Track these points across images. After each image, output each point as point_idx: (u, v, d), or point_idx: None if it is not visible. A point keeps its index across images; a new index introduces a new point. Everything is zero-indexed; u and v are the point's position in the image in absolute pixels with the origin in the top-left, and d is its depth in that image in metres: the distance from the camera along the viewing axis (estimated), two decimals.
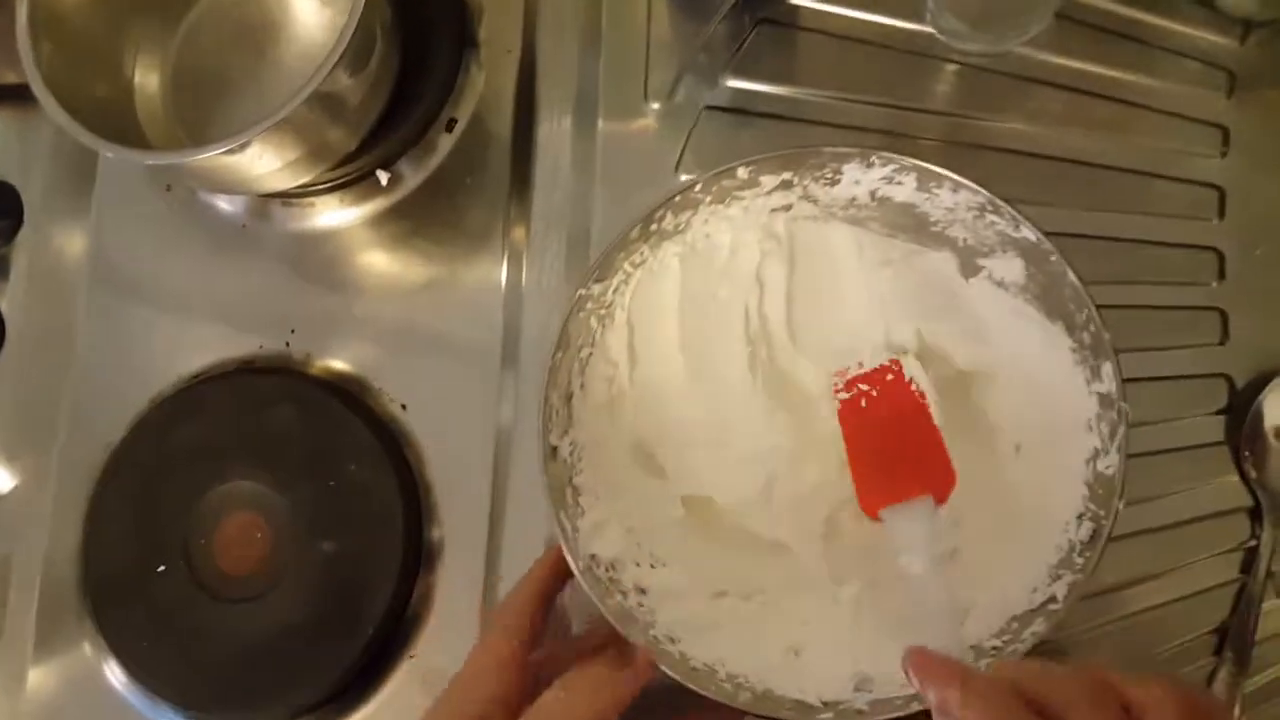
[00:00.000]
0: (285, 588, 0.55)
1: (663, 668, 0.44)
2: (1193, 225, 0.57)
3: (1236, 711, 0.52)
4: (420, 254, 0.59)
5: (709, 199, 0.49)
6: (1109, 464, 0.44)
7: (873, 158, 0.46)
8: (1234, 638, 0.53)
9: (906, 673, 0.37)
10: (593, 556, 0.47)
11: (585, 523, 0.48)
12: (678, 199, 0.47)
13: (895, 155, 0.46)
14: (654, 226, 0.48)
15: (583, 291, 0.47)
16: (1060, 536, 0.46)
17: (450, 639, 0.54)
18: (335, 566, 0.54)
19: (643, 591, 0.48)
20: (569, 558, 0.45)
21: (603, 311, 0.49)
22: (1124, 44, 0.58)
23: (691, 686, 0.43)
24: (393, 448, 0.56)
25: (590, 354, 0.50)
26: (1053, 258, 0.45)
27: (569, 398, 0.49)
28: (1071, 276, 0.45)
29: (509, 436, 0.56)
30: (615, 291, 0.49)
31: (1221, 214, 0.57)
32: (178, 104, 0.60)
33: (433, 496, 0.56)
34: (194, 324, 0.60)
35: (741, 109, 0.58)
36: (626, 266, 0.49)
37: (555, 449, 0.47)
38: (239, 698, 0.55)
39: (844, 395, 0.51)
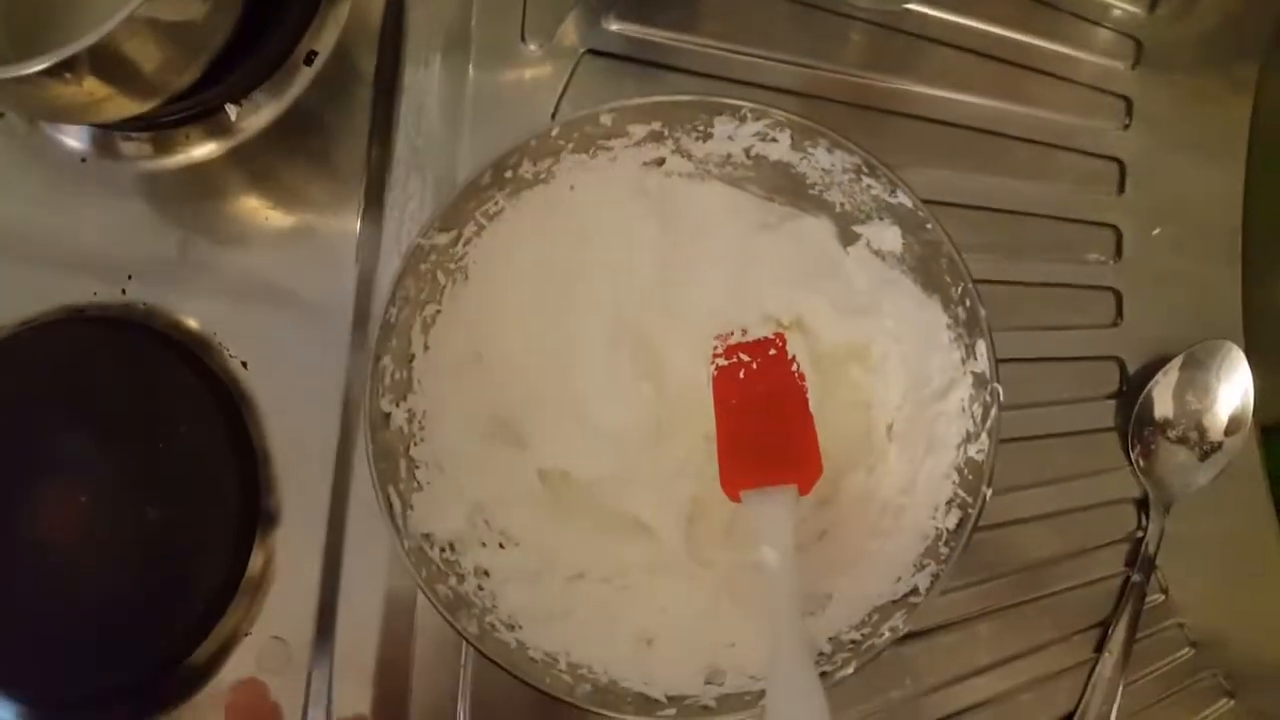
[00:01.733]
0: (108, 557, 0.50)
1: (492, 659, 0.40)
2: (1091, 200, 0.54)
3: (1114, 713, 0.51)
4: (271, 199, 0.54)
5: (570, 146, 0.45)
6: (980, 448, 0.42)
7: (744, 109, 0.43)
8: (1116, 633, 0.51)
9: None
10: (426, 536, 0.43)
11: (422, 499, 0.44)
12: (534, 144, 0.43)
13: (768, 108, 0.43)
14: (509, 174, 0.44)
15: (422, 241, 0.42)
16: (927, 524, 0.43)
17: (288, 613, 0.50)
18: (161, 535, 0.50)
19: (485, 574, 0.45)
20: (395, 538, 0.41)
21: (452, 266, 0.45)
22: (1030, 7, 0.55)
23: (523, 679, 0.40)
24: (230, 409, 0.51)
25: (438, 312, 0.46)
26: (929, 226, 0.42)
27: (409, 359, 0.45)
28: (948, 246, 0.42)
29: (357, 403, 0.52)
30: (466, 244, 0.45)
31: (1121, 189, 0.54)
32: (9, 20, 0.55)
33: (272, 465, 0.51)
34: (22, 266, 0.55)
35: (627, 56, 0.54)
36: (479, 217, 0.45)
37: (388, 416, 0.43)
38: (56, 676, 0.51)
39: (721, 362, 0.47)
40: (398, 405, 0.44)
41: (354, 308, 0.53)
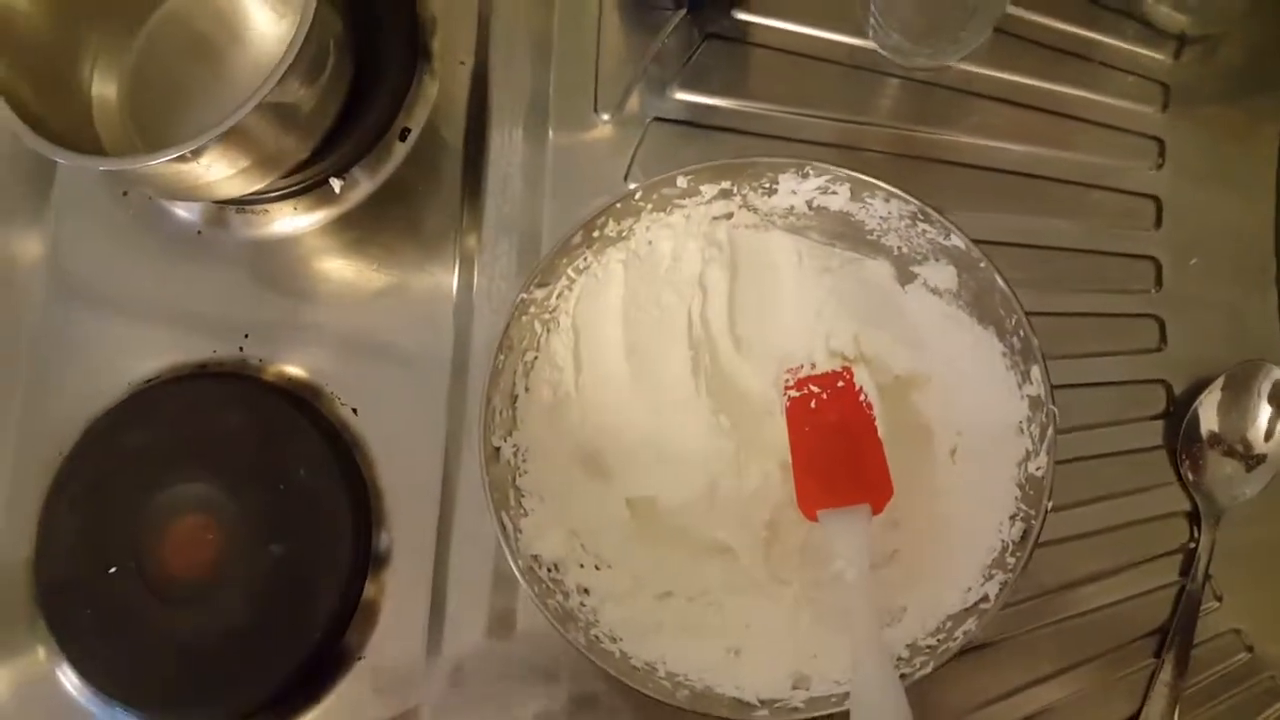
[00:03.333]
0: (234, 590, 0.55)
1: (603, 665, 0.44)
2: (1130, 235, 0.58)
3: (1175, 715, 0.53)
4: (373, 261, 0.60)
5: (650, 206, 0.50)
6: (1039, 465, 0.45)
7: (807, 168, 0.47)
8: (1174, 640, 0.54)
9: None
10: (535, 557, 0.48)
11: (528, 524, 0.48)
12: (619, 205, 0.48)
13: (828, 165, 0.47)
14: (596, 233, 0.49)
15: (524, 295, 0.47)
16: (993, 537, 0.47)
17: (398, 641, 0.55)
18: (284, 569, 0.55)
19: (586, 592, 0.49)
20: (509, 558, 0.46)
21: (547, 316, 0.50)
22: (1062, 59, 0.59)
23: (631, 684, 0.44)
24: (343, 452, 0.56)
25: (535, 358, 0.50)
26: (982, 264, 0.46)
27: (513, 400, 0.49)
28: (1000, 282, 0.46)
29: (458, 443, 0.57)
30: (559, 297, 0.50)
31: (1158, 224, 0.58)
32: (134, 111, 0.61)
33: (382, 501, 0.56)
34: (148, 329, 0.61)
35: (689, 121, 0.59)
36: (570, 272, 0.50)
37: (498, 450, 0.48)
38: (189, 698, 0.55)
39: (794, 393, 0.52)
40: (505, 440, 0.48)
41: (452, 359, 0.58)
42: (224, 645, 0.55)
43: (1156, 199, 0.58)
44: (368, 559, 0.55)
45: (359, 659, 0.55)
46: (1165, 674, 0.53)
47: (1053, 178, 0.58)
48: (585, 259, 0.50)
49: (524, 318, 0.48)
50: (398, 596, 0.55)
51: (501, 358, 0.47)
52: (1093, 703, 0.54)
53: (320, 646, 0.54)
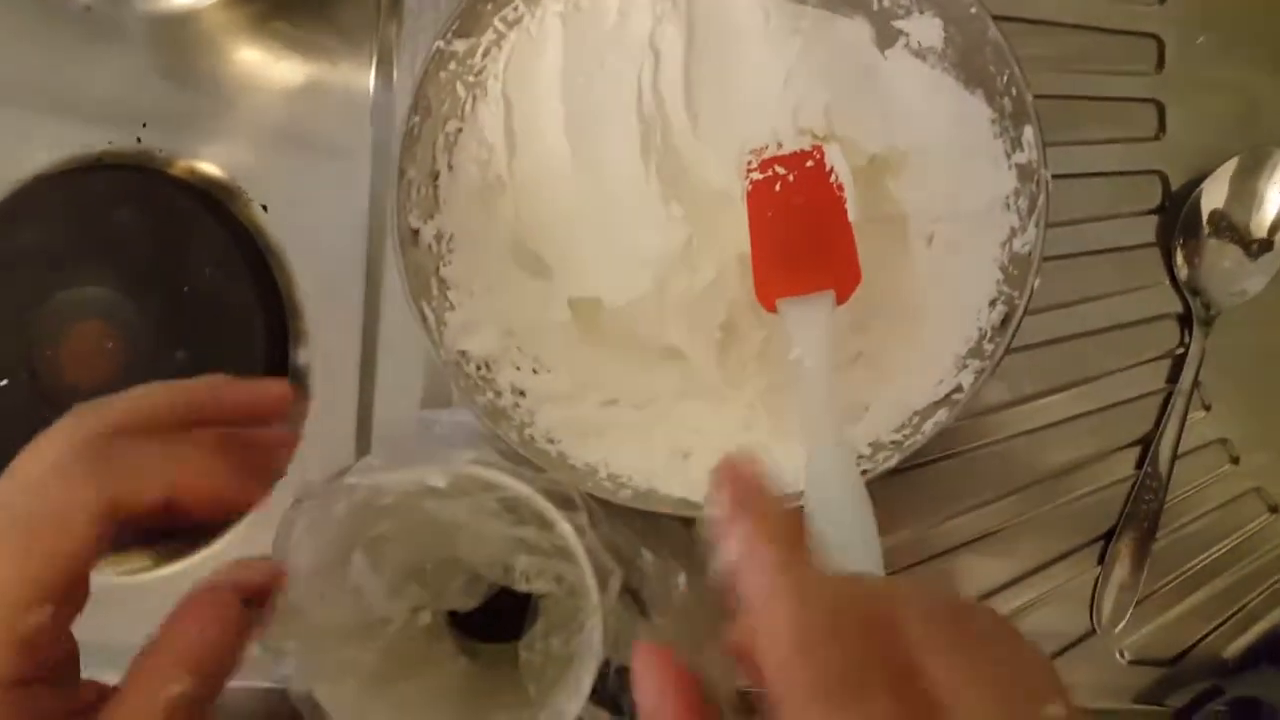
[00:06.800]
0: None
1: (537, 464, 0.40)
2: (1131, 9, 0.52)
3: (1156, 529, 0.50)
4: (282, 39, 0.53)
5: None
6: (1026, 241, 0.40)
7: None
8: (1156, 450, 0.50)
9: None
10: (462, 353, 0.43)
11: (454, 318, 0.43)
12: None
13: None
14: None
15: (441, 44, 0.41)
16: (970, 325, 0.42)
17: (320, 458, 0.50)
18: (194, 375, 0.50)
19: (521, 394, 0.44)
20: (434, 350, 0.40)
21: (472, 79, 0.44)
22: None
23: (568, 482, 0.40)
24: (253, 251, 0.51)
25: (460, 130, 0.44)
26: (972, 10, 0.40)
27: (434, 177, 0.43)
28: (993, 31, 0.40)
29: (381, 246, 0.51)
30: (486, 55, 0.44)
31: None
32: None
33: (296, 303, 0.51)
34: (32, 118, 0.54)
35: None
36: (498, 23, 0.43)
37: (416, 233, 0.42)
38: None
39: (756, 175, 0.46)
40: (425, 223, 0.43)
41: (372, 148, 0.52)
42: None
43: None
44: (285, 362, 0.51)
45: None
46: (1146, 485, 0.50)
47: None
48: (516, 8, 0.43)
49: (442, 74, 0.42)
50: (320, 410, 0.51)
51: (416, 119, 0.41)
52: (1068, 516, 0.51)
53: None
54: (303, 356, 0.52)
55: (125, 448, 0.27)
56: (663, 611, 0.35)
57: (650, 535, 0.39)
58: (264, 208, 0.52)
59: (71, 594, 0.26)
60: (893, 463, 0.39)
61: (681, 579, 0.35)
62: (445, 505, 0.34)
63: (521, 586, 0.36)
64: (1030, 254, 0.40)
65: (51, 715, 0.25)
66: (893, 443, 0.41)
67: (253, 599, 0.29)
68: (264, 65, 0.53)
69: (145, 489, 0.27)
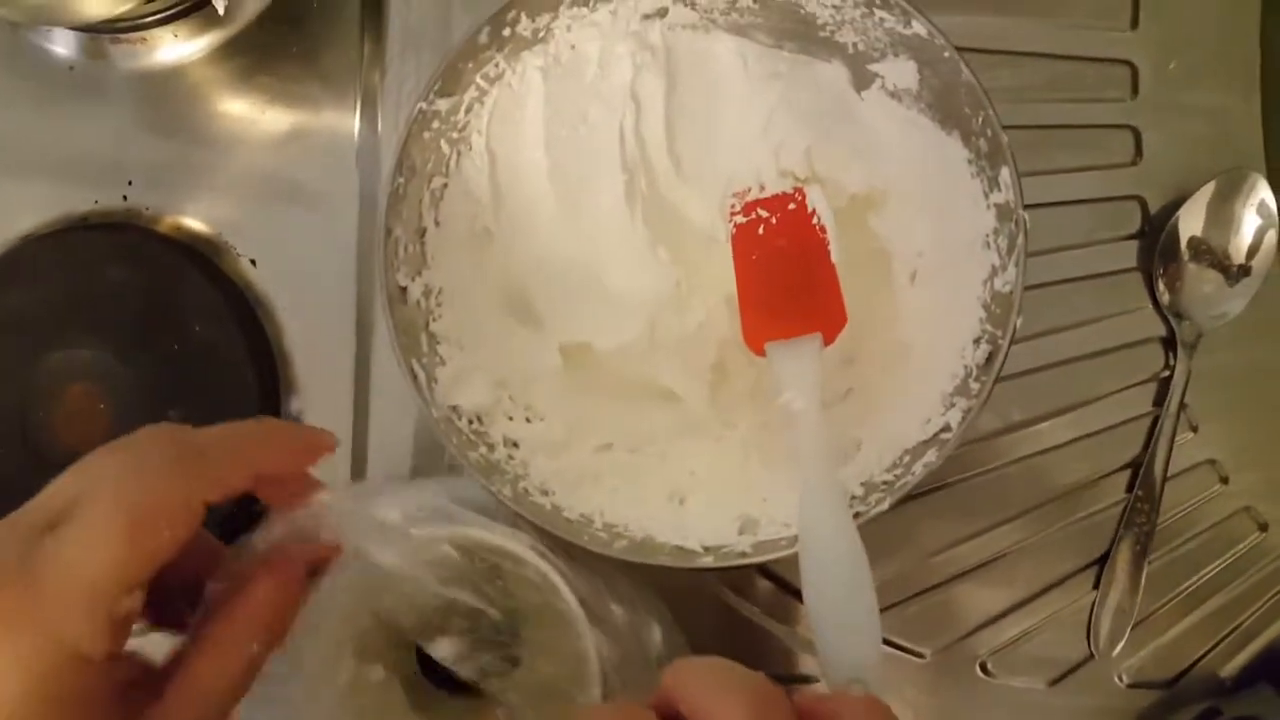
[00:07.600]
0: None
1: (531, 519, 0.40)
2: (1104, 36, 0.53)
3: (1148, 551, 0.51)
4: (266, 91, 0.53)
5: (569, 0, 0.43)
6: (1007, 280, 0.41)
7: None
8: (1146, 474, 0.51)
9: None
10: (454, 408, 0.43)
11: (445, 373, 0.44)
12: None
13: None
14: (507, 31, 0.42)
15: (424, 105, 0.41)
16: (955, 363, 0.43)
17: None
18: None
19: (514, 445, 0.45)
20: (424, 407, 0.41)
21: (455, 135, 0.44)
22: None
23: (565, 537, 0.40)
24: (243, 306, 0.51)
25: (446, 185, 0.45)
26: (946, 54, 0.40)
27: (421, 233, 0.44)
28: (966, 74, 0.40)
29: (370, 297, 0.51)
30: (469, 112, 0.44)
31: (1135, 23, 0.53)
32: None
33: (287, 355, 0.51)
34: (19, 181, 0.54)
35: None
36: (480, 80, 0.43)
37: (404, 290, 0.42)
38: None
39: (740, 219, 0.46)
40: (414, 280, 0.43)
41: (359, 197, 0.52)
42: None
43: None
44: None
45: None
46: (1138, 508, 0.51)
47: None
48: (497, 65, 0.44)
49: (426, 134, 0.42)
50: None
51: (401, 180, 0.41)
52: (1062, 541, 0.51)
53: (230, 519, 0.49)
54: (295, 406, 0.52)
55: (212, 441, 0.29)
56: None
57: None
58: (253, 262, 0.52)
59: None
60: (885, 506, 0.39)
61: (657, 633, 0.35)
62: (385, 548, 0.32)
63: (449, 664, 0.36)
64: (1011, 293, 0.40)
65: (124, 686, 0.27)
66: (884, 484, 0.41)
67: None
68: (249, 118, 0.54)
69: (233, 480, 0.29)
